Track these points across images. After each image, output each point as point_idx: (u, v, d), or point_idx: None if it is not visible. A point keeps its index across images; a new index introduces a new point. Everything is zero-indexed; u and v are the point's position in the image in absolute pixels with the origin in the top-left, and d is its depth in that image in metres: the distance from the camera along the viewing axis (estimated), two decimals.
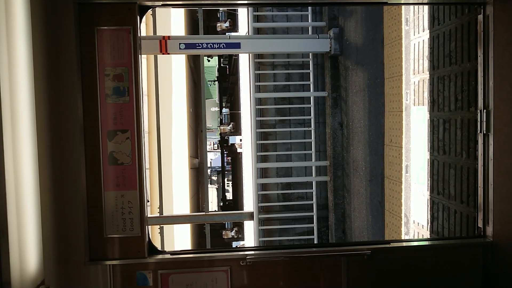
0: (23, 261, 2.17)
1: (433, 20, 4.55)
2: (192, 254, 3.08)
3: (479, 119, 3.16)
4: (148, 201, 8.22)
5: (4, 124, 2.04)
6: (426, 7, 4.70)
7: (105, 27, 2.81)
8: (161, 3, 2.93)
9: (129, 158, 2.85)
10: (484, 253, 3.10)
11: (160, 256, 2.96)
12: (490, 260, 3.07)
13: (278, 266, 3.03)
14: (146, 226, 2.91)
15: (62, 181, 2.73)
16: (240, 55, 10.33)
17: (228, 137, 17.07)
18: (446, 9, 4.28)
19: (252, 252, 3.04)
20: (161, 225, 7.62)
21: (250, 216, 7.61)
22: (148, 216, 3.01)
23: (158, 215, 7.49)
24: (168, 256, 2.98)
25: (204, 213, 7.05)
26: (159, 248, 3.08)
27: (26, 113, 2.35)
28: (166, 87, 9.86)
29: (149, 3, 2.91)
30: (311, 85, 8.59)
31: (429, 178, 4.73)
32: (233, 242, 13.19)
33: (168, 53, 7.21)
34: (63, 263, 2.72)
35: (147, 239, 2.91)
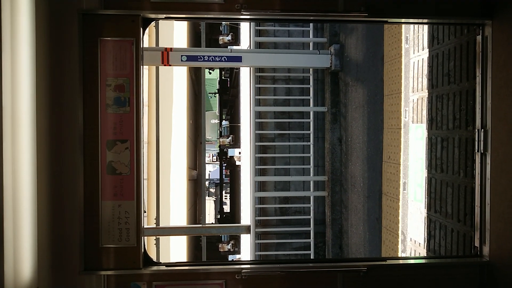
0: (17, 269, 2.16)
1: (433, 39, 4.60)
2: (187, 266, 3.07)
3: (476, 138, 3.18)
4: (145, 212, 8.18)
5: (4, 131, 2.05)
6: (426, 27, 4.76)
7: (108, 38, 2.84)
8: (164, 16, 2.97)
9: (128, 168, 2.86)
10: (481, 273, 3.10)
11: (155, 268, 2.95)
12: (486, 280, 3.06)
13: (273, 281, 3.02)
14: (142, 237, 2.90)
15: (60, 189, 2.74)
16: (241, 68, 10.40)
17: (227, 150, 17.06)
18: (445, 29, 4.33)
19: (248, 266, 3.03)
20: (157, 236, 7.57)
21: (247, 229, 7.56)
22: (144, 227, 3.01)
23: (154, 226, 7.45)
24: (163, 267, 2.97)
25: (200, 225, 7.02)
26: (155, 259, 3.07)
27: (27, 120, 2.36)
28: (166, 98, 9.90)
29: (153, 16, 2.96)
30: (311, 100, 8.63)
31: (426, 196, 4.73)
32: (229, 256, 13.10)
33: (170, 65, 7.25)
34: (57, 271, 2.72)
35: (142, 250, 2.90)
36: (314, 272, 3.04)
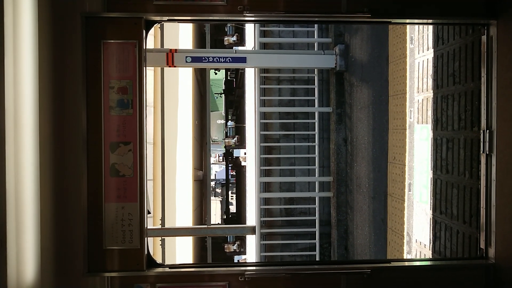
0: (20, 271, 2.18)
1: (438, 40, 4.57)
2: (190, 268, 3.07)
3: (482, 139, 3.15)
4: (149, 213, 8.21)
5: (7, 134, 2.07)
6: (430, 27, 4.72)
7: (111, 40, 2.85)
8: (167, 18, 2.98)
9: (131, 170, 2.86)
10: (486, 275, 3.07)
11: (158, 269, 2.95)
12: (492, 282, 3.04)
13: (276, 283, 3.01)
14: (146, 239, 2.91)
15: (63, 191, 2.75)
16: (246, 69, 10.40)
17: (233, 150, 17.06)
18: (450, 29, 4.30)
19: (251, 268, 3.03)
20: (162, 237, 7.59)
21: (252, 230, 7.56)
22: (149, 228, 3.01)
23: (160, 227, 7.48)
24: (167, 269, 2.97)
25: (205, 226, 7.03)
26: (160, 260, 3.08)
27: (30, 122, 2.38)
28: (172, 99, 9.93)
29: (156, 18, 2.96)
30: (316, 100, 8.61)
31: (432, 197, 4.70)
32: (235, 256, 13.09)
33: (175, 66, 7.27)
34: (61, 274, 2.73)
35: (146, 252, 2.91)
36: (317, 274, 3.03)
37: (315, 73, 8.63)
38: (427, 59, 4.83)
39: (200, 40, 13.83)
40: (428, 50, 4.82)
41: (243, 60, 7.66)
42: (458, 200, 4.12)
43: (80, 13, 2.78)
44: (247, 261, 9.56)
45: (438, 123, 4.57)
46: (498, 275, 3.01)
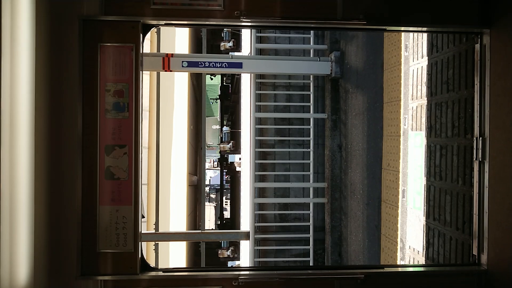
0: (14, 273, 2.16)
1: (432, 48, 4.62)
2: (184, 272, 3.06)
3: (475, 146, 3.19)
4: (143, 217, 8.17)
5: (3, 135, 2.06)
6: (425, 35, 4.78)
7: (108, 44, 2.86)
8: (164, 22, 2.99)
9: (126, 173, 2.86)
10: (479, 281, 3.08)
11: (152, 273, 2.94)
12: None
13: None
14: (140, 242, 2.90)
15: (58, 193, 2.74)
16: (242, 74, 10.43)
17: (228, 156, 17.05)
18: (444, 37, 4.35)
19: (245, 272, 3.03)
20: (156, 242, 7.55)
21: (246, 235, 7.53)
22: (143, 232, 3.00)
23: (153, 231, 7.44)
24: (161, 273, 2.96)
25: (199, 231, 7.01)
26: (153, 265, 3.07)
27: (26, 124, 2.38)
28: (167, 103, 9.93)
29: (153, 22, 2.97)
30: (311, 106, 8.65)
31: (425, 204, 4.73)
32: (229, 262, 13.04)
33: (171, 71, 7.28)
34: (54, 276, 2.71)
35: (139, 256, 2.90)
36: (311, 279, 3.03)
37: (311, 79, 8.68)
38: (422, 66, 4.88)
39: (196, 45, 13.86)
40: (422, 58, 4.87)
41: (239, 65, 7.68)
42: (451, 206, 4.15)
43: (78, 16, 2.79)
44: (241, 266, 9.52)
45: (431, 130, 4.61)
46: (490, 282, 3.03)
